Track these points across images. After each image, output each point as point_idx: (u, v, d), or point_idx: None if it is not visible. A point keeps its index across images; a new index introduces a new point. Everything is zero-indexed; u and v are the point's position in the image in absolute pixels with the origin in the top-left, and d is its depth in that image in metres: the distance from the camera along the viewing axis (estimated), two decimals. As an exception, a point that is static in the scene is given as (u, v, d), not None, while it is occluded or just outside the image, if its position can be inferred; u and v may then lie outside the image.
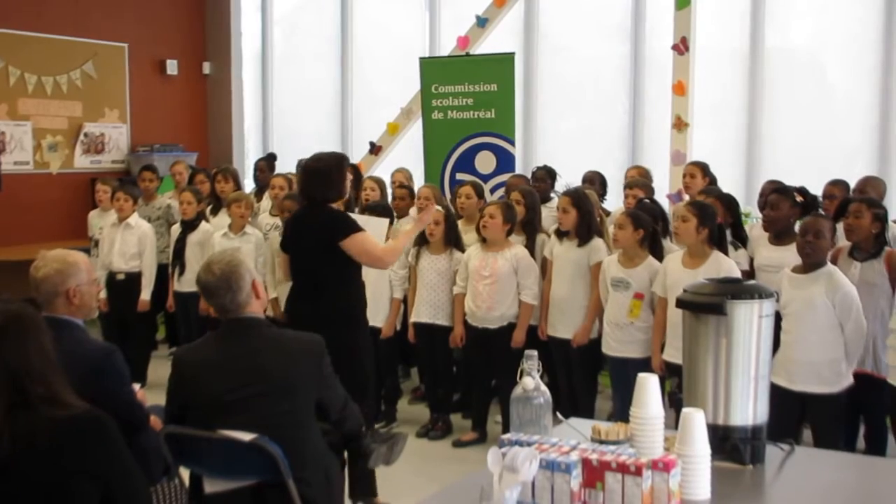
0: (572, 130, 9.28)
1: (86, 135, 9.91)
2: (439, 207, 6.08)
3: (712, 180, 6.50)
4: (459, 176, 7.86)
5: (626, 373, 4.99)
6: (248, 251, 6.48)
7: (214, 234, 6.83)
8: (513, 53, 8.15)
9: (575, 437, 2.61)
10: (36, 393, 2.51)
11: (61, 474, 2.50)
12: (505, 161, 7.88)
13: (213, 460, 3.17)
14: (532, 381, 2.59)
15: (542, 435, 2.52)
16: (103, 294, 6.66)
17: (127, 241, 6.91)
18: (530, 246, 5.85)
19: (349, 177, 4.79)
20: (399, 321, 6.22)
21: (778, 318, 4.09)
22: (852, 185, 6.10)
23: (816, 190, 5.73)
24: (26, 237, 8.84)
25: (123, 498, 2.62)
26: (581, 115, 9.25)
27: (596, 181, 7.04)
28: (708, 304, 2.75)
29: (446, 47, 9.37)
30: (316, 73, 10.66)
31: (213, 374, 3.15)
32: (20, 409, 2.50)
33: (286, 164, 8.86)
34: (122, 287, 6.91)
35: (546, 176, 7.12)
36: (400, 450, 3.74)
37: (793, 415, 4.45)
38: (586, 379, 5.58)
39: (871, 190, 5.91)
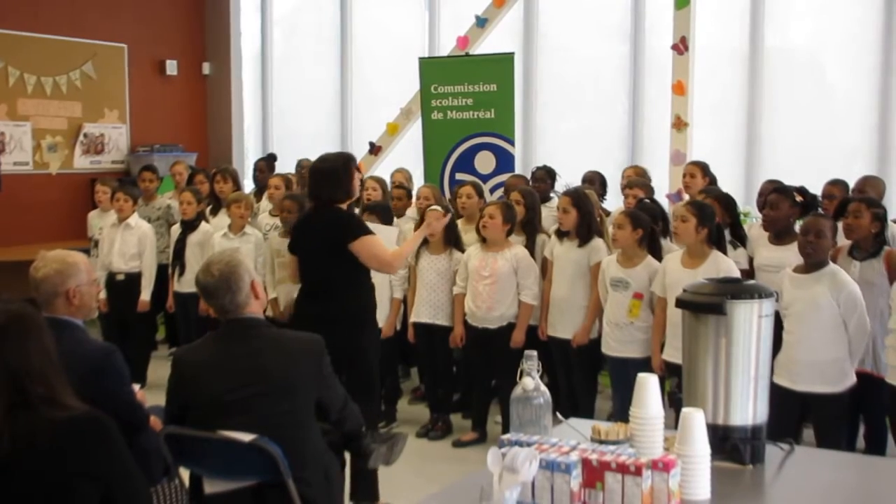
0: (572, 130, 9.28)
1: (85, 135, 9.92)
2: (438, 207, 6.08)
3: (712, 180, 6.50)
4: (459, 176, 7.86)
5: (625, 373, 4.99)
6: (248, 251, 6.48)
7: (214, 234, 6.83)
8: (512, 53, 8.15)
9: (575, 437, 2.61)
10: (36, 393, 2.50)
11: (62, 475, 2.50)
12: (504, 161, 7.88)
13: (213, 461, 3.17)
14: (532, 382, 2.59)
15: (541, 435, 2.52)
16: (103, 294, 6.66)
17: (127, 242, 6.91)
18: (530, 246, 5.85)
19: (357, 177, 4.77)
20: (399, 321, 6.22)
21: (777, 318, 4.09)
22: (851, 184, 6.11)
23: (816, 189, 5.73)
24: (26, 238, 8.84)
25: (124, 499, 2.62)
26: (580, 114, 9.25)
27: (596, 181, 7.04)
28: (708, 304, 2.76)
29: (446, 47, 9.37)
30: (315, 74, 10.66)
31: (213, 375, 3.15)
32: (20, 410, 2.50)
33: (286, 165, 8.87)
34: (122, 287, 6.91)
35: (546, 176, 7.12)
36: (400, 450, 3.74)
37: (794, 415, 4.46)
38: (586, 379, 5.58)
39: (870, 189, 5.91)
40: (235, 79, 10.96)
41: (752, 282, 2.99)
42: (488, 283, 5.61)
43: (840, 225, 4.95)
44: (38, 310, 2.79)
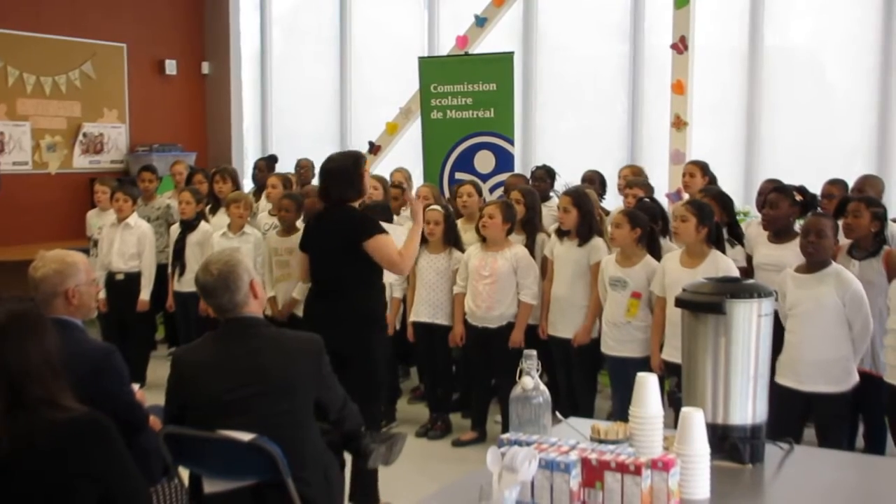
0: (571, 130, 9.29)
1: (84, 135, 9.91)
2: (438, 207, 6.08)
3: (712, 179, 6.50)
4: (458, 175, 7.86)
5: (624, 372, 4.99)
6: (247, 251, 6.47)
7: (213, 234, 6.83)
8: (512, 53, 8.16)
9: (574, 436, 2.61)
10: (34, 395, 2.50)
11: (61, 476, 2.50)
12: (504, 160, 7.88)
13: (213, 460, 3.17)
14: (531, 381, 2.59)
15: (541, 434, 2.52)
16: (102, 294, 6.67)
17: (126, 241, 6.91)
18: (530, 245, 5.85)
19: (368, 175, 4.75)
20: (398, 320, 6.22)
21: (776, 318, 4.10)
22: (851, 184, 6.11)
23: (815, 189, 5.73)
24: (25, 237, 8.83)
25: (123, 500, 2.62)
26: (580, 114, 9.25)
27: (595, 180, 7.04)
28: (707, 304, 2.75)
29: (445, 47, 9.37)
30: (315, 73, 10.67)
31: (212, 374, 3.14)
32: (19, 410, 2.50)
33: (286, 164, 8.87)
34: (122, 287, 6.91)
35: (545, 175, 7.12)
36: (399, 449, 3.73)
37: (798, 415, 4.45)
38: (586, 378, 5.58)
39: (869, 189, 5.91)
40: (235, 78, 10.96)
41: (751, 281, 2.99)
42: (488, 282, 5.61)
43: (840, 224, 4.96)
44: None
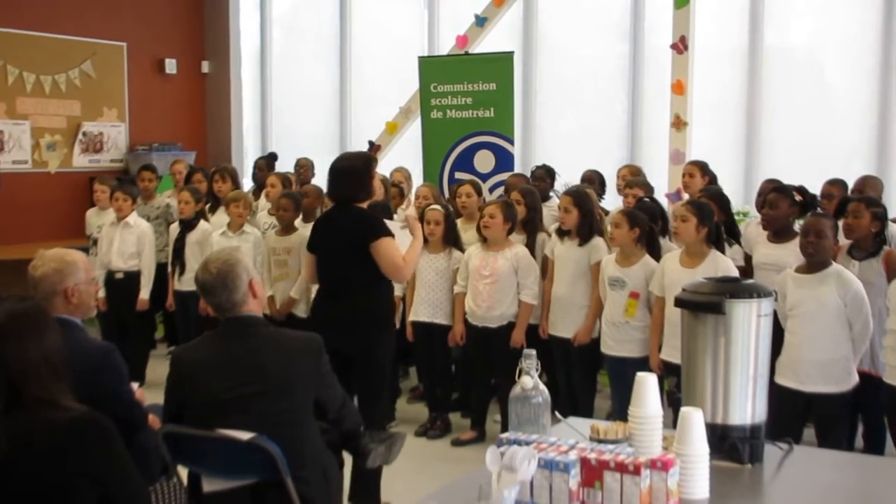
0: (571, 129, 9.29)
1: (84, 134, 9.91)
2: (438, 207, 6.08)
3: (712, 178, 6.50)
4: (458, 175, 7.86)
5: (623, 372, 4.99)
6: (247, 250, 6.47)
7: (213, 233, 6.83)
8: (512, 52, 8.16)
9: (573, 436, 2.61)
10: (33, 394, 2.50)
11: (60, 475, 2.50)
12: (504, 160, 7.88)
13: (212, 459, 3.17)
14: (530, 381, 2.59)
15: (540, 434, 2.52)
16: (102, 293, 6.67)
17: (126, 240, 6.91)
18: (531, 245, 5.85)
19: (377, 177, 4.73)
20: (398, 320, 6.21)
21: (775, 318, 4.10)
22: (850, 184, 6.11)
23: (815, 189, 5.73)
24: (24, 236, 8.83)
25: (123, 500, 2.62)
26: (580, 114, 9.25)
27: (595, 180, 7.03)
28: (707, 304, 2.75)
29: (445, 46, 9.37)
30: (315, 72, 10.66)
31: (212, 373, 3.14)
32: (18, 410, 2.49)
33: (285, 164, 8.86)
34: (121, 286, 6.90)
35: (545, 175, 7.12)
36: (398, 449, 3.73)
37: (797, 415, 4.45)
38: (586, 378, 5.59)
39: (869, 189, 5.91)
40: (234, 77, 10.96)
41: (750, 281, 2.99)
42: (489, 282, 5.61)
43: (840, 224, 4.96)
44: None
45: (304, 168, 8.55)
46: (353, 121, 10.45)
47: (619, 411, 4.55)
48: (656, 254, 5.24)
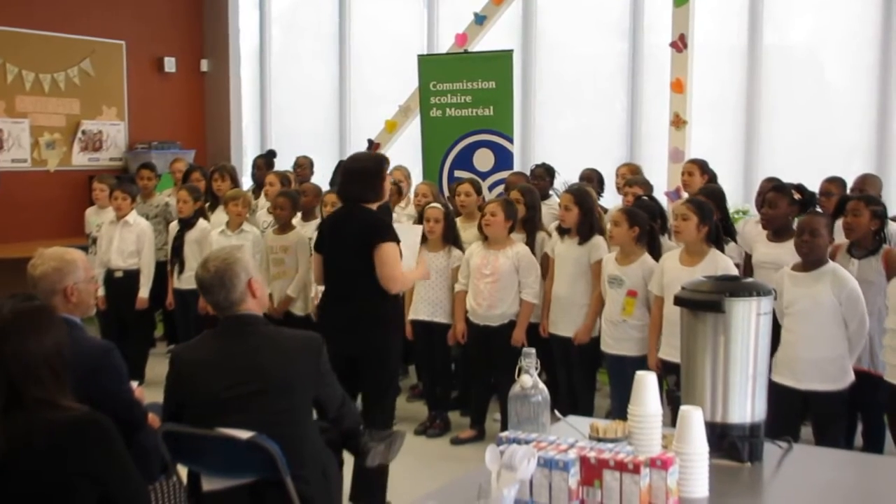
0: (570, 128, 9.29)
1: (83, 132, 9.91)
2: (437, 205, 6.07)
3: (711, 177, 6.49)
4: (458, 173, 7.86)
5: (622, 370, 5.00)
6: (245, 249, 6.46)
7: (212, 231, 6.83)
8: (511, 51, 8.15)
9: (573, 434, 2.61)
10: (33, 395, 2.50)
11: (60, 475, 2.49)
12: (503, 158, 7.88)
13: (211, 458, 3.17)
14: (530, 379, 2.59)
15: (539, 433, 2.52)
16: (101, 292, 6.67)
17: (125, 239, 6.90)
18: (530, 244, 5.85)
19: (389, 178, 4.71)
20: (397, 319, 6.21)
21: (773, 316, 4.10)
22: (850, 182, 6.10)
23: (814, 187, 5.73)
24: (24, 235, 8.83)
25: (123, 500, 2.62)
26: (579, 112, 9.25)
27: (593, 179, 7.03)
28: (706, 302, 2.75)
29: (444, 45, 9.36)
30: (314, 71, 10.66)
31: (211, 372, 3.14)
32: (18, 411, 2.49)
33: (284, 162, 8.86)
34: (121, 285, 6.90)
35: (545, 174, 7.12)
36: (398, 448, 3.73)
37: (794, 413, 4.46)
38: (586, 377, 5.59)
39: (868, 188, 5.91)
40: (234, 76, 10.95)
41: (750, 279, 2.99)
42: (490, 281, 5.61)
43: (840, 223, 4.96)
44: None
45: (303, 167, 8.55)
46: (353, 119, 10.45)
47: (619, 410, 4.55)
48: (657, 252, 5.24)
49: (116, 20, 10.09)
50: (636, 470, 2.26)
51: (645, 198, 5.72)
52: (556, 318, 5.61)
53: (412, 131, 9.02)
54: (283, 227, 6.53)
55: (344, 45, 10.42)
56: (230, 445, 3.07)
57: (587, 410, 5.35)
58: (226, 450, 3.10)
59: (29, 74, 9.40)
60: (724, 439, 2.70)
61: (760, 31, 8.19)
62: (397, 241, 4.50)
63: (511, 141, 7.93)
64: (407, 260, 4.62)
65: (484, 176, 7.71)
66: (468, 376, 6.10)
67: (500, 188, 7.30)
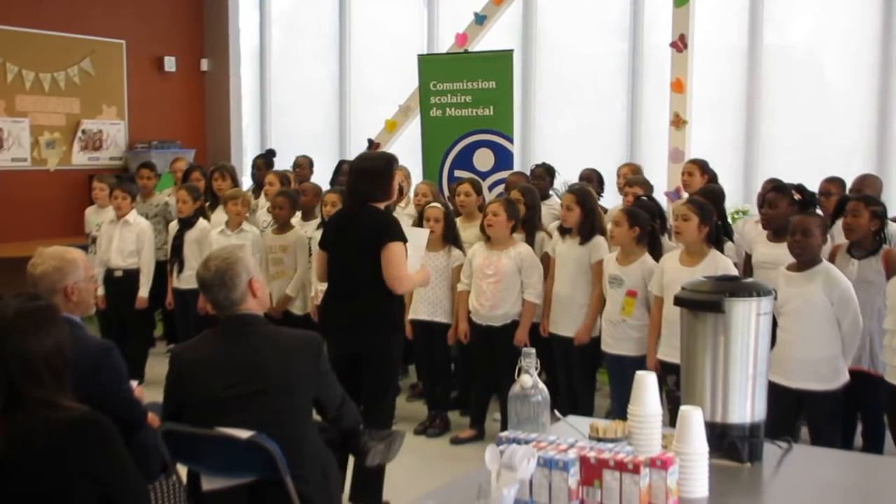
0: (570, 128, 9.29)
1: (83, 132, 9.90)
2: (438, 204, 6.07)
3: (711, 177, 6.50)
4: (458, 173, 7.85)
5: (622, 370, 5.00)
6: (246, 248, 6.46)
7: (211, 231, 6.83)
8: (511, 51, 8.15)
9: (573, 434, 2.61)
10: (33, 395, 2.50)
11: (60, 475, 2.49)
12: (503, 158, 7.87)
13: (211, 458, 3.17)
14: (530, 379, 2.59)
15: (539, 432, 2.52)
16: (101, 291, 6.67)
17: (125, 238, 6.90)
18: (530, 244, 5.85)
19: (397, 178, 4.71)
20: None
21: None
22: (850, 182, 6.10)
23: (814, 187, 5.73)
24: (24, 234, 8.83)
25: (123, 500, 2.62)
26: (579, 112, 9.25)
27: (593, 179, 7.03)
28: (706, 302, 2.75)
29: (444, 44, 9.36)
30: (314, 71, 10.66)
31: (211, 372, 3.14)
32: (17, 411, 2.49)
33: (284, 162, 8.86)
34: (121, 284, 6.90)
35: (545, 173, 7.12)
36: (397, 447, 3.73)
37: (790, 412, 4.46)
38: (586, 377, 5.59)
39: (867, 188, 5.90)
40: (234, 75, 10.95)
41: (750, 279, 2.99)
42: (492, 281, 5.60)
43: (840, 223, 4.95)
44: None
45: (302, 167, 8.54)
46: (353, 119, 10.44)
47: (619, 410, 4.55)
48: (658, 253, 5.24)
49: (116, 19, 10.09)
50: (636, 470, 2.26)
51: (643, 198, 5.72)
52: (556, 318, 5.61)
53: (412, 131, 9.02)
54: (282, 226, 6.53)
55: (344, 44, 10.42)
56: (230, 445, 3.07)
57: (587, 410, 5.35)
58: (225, 449, 3.10)
59: (29, 74, 9.40)
60: (723, 439, 2.70)
61: (760, 32, 8.19)
62: (405, 241, 4.50)
63: (511, 141, 7.93)
64: (412, 262, 4.61)
65: (484, 176, 7.71)
66: (468, 376, 6.10)
67: (500, 188, 7.30)
